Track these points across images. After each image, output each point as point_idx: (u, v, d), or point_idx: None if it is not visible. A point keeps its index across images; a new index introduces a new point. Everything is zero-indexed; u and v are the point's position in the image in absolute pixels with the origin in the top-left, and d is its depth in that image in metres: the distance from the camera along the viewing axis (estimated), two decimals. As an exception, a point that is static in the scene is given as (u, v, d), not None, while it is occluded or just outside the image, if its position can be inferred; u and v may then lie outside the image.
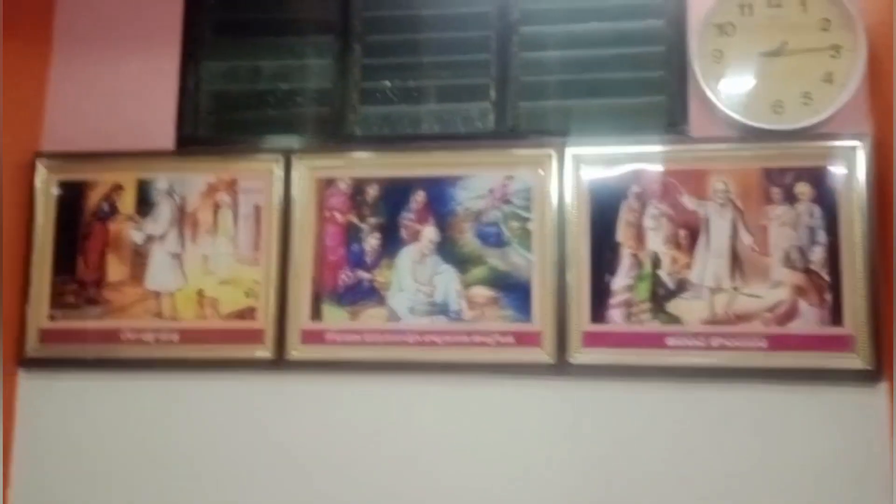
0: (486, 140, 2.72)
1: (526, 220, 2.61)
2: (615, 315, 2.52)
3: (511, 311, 2.58)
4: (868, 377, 2.37)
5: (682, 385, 2.48)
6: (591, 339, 2.52)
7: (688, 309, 2.49)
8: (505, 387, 2.57)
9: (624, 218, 2.56)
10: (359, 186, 2.72)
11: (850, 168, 2.44)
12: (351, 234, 2.70)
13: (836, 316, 2.40)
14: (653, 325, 2.50)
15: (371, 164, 2.73)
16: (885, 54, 2.44)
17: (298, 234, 2.71)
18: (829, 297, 2.41)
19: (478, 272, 2.61)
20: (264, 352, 2.68)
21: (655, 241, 2.53)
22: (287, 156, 2.76)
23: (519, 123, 2.75)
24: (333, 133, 2.84)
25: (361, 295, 2.66)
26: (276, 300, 2.69)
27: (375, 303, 2.65)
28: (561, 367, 2.52)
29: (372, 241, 2.68)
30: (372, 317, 2.65)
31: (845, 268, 2.41)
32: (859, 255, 2.40)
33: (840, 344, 2.39)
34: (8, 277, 2.79)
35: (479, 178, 2.66)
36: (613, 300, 2.53)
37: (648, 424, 2.49)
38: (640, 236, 2.54)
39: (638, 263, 2.53)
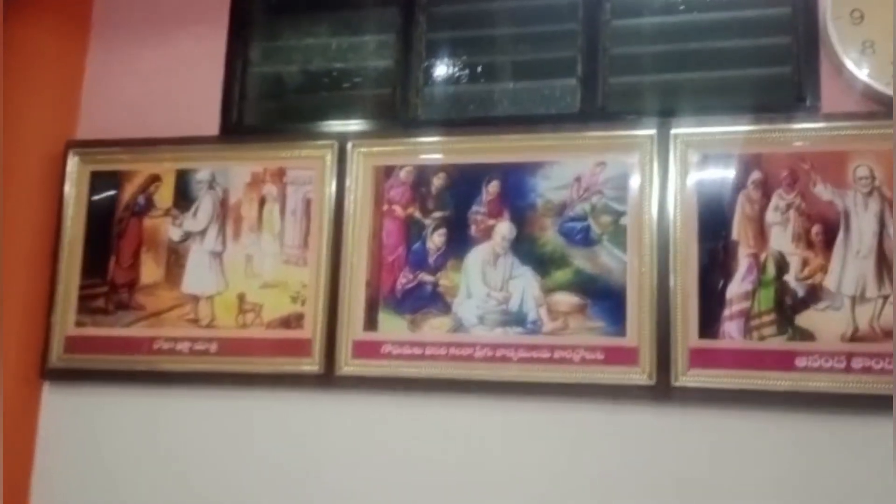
0: (571, 122, 2.33)
1: (620, 213, 2.21)
2: (730, 329, 2.09)
3: (601, 322, 2.17)
4: None
5: (816, 416, 2.03)
6: (700, 358, 2.09)
7: (823, 322, 2.04)
8: (593, 413, 2.17)
9: (741, 211, 2.13)
10: (422, 176, 2.36)
11: None
12: (412, 231, 2.34)
13: None
14: (778, 342, 2.06)
15: (436, 150, 2.38)
16: None
17: (353, 230, 2.37)
18: None
19: (561, 275, 2.22)
20: (311, 365, 2.33)
21: (781, 240, 2.09)
22: (341, 142, 2.44)
23: (610, 103, 2.36)
24: (394, 117, 2.50)
25: (423, 301, 2.30)
26: (326, 306, 2.35)
27: (439, 310, 2.28)
28: (662, 390, 2.10)
29: (436, 239, 2.32)
30: (435, 327, 2.28)
31: None
32: None
33: None
34: (33, 279, 2.54)
35: (563, 165, 2.27)
36: (728, 311, 2.10)
37: (771, 463, 2.04)
38: (761, 233, 2.11)
39: (759, 266, 2.10)
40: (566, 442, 2.17)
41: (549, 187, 2.27)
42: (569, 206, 2.25)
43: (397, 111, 2.50)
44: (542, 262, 2.24)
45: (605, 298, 2.18)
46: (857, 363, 2.00)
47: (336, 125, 2.52)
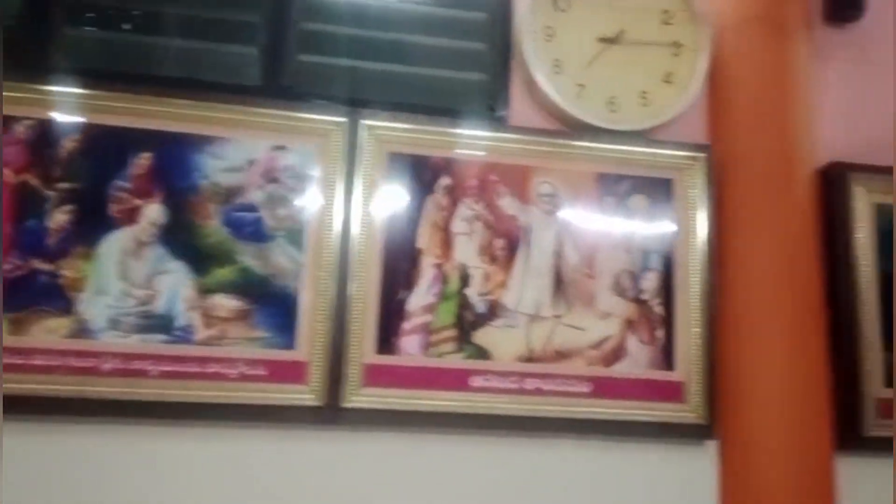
0: (250, 95, 1.87)
1: (299, 207, 1.80)
2: (409, 344, 1.79)
3: (266, 331, 1.74)
4: (698, 433, 1.88)
5: (489, 438, 1.81)
6: (376, 375, 1.77)
7: (500, 340, 1.83)
8: (253, 438, 1.72)
9: (429, 217, 1.86)
10: (48, 134, 1.72)
11: (690, 183, 1.97)
12: (27, 204, 1.69)
13: (667, 357, 1.89)
14: (455, 360, 1.81)
15: (72, 105, 1.75)
16: (728, 57, 2.03)
17: (-64, 194, 1.64)
18: (660, 334, 1.90)
19: (223, 274, 1.74)
20: None
21: (466, 251, 1.86)
22: (-70, 74, 1.69)
23: (298, 81, 1.95)
24: (17, 56, 1.80)
25: (34, 296, 1.65)
26: None
27: (57, 309, 1.66)
28: (332, 412, 1.73)
29: (60, 217, 1.69)
30: (49, 330, 1.65)
31: (679, 300, 1.92)
32: (695, 286, 1.92)
33: (669, 392, 1.88)
34: None
35: (236, 144, 1.80)
36: (408, 324, 1.80)
37: (446, 487, 1.78)
38: (447, 243, 1.85)
39: (443, 278, 1.84)
40: (219, 473, 1.69)
41: (216, 168, 1.78)
42: (239, 193, 1.78)
43: (20, 50, 1.81)
44: (201, 257, 1.74)
45: (275, 304, 1.75)
46: (529, 384, 1.83)
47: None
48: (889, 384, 1.96)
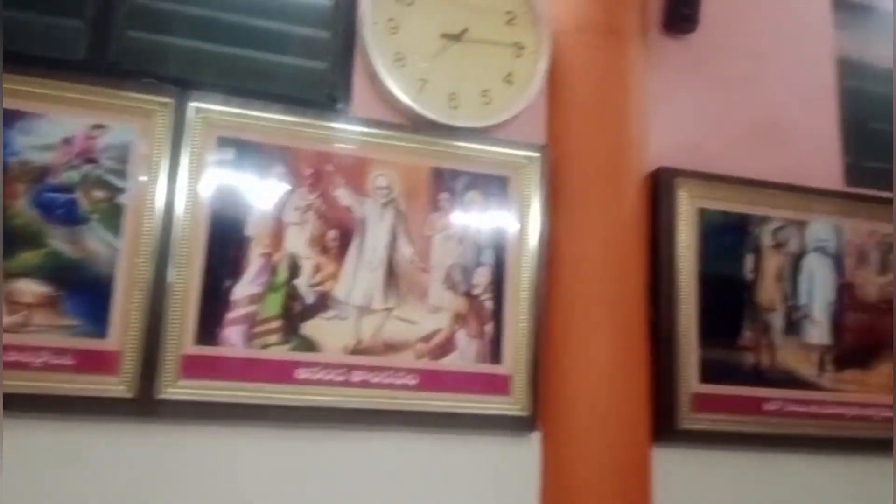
0: (70, 71, 1.77)
1: (117, 190, 1.72)
2: (232, 335, 1.74)
3: (76, 319, 1.65)
4: (522, 425, 1.92)
5: (315, 431, 1.79)
6: (195, 367, 1.71)
7: (328, 332, 1.81)
8: (58, 431, 1.63)
9: (259, 205, 1.81)
10: None
11: (525, 181, 2.01)
12: None
13: (495, 351, 1.92)
14: (280, 352, 1.78)
15: None
16: (568, 61, 2.08)
17: None
18: (489, 328, 1.93)
19: (29, 258, 1.64)
20: None
21: (297, 241, 1.82)
22: None
23: (126, 59, 1.86)
24: None
25: None
26: None
27: None
28: (145, 404, 1.66)
29: None
30: None
31: (509, 296, 1.95)
32: (526, 282, 1.96)
33: (496, 385, 1.91)
34: None
35: (52, 121, 1.70)
36: (232, 314, 1.75)
37: (268, 482, 1.74)
38: (277, 232, 1.81)
39: (271, 268, 1.80)
40: (19, 467, 1.59)
41: (28, 145, 1.68)
42: (52, 173, 1.68)
43: None
44: (6, 239, 1.62)
45: (86, 291, 1.66)
46: (356, 376, 1.81)
47: None
48: (704, 380, 2.06)
